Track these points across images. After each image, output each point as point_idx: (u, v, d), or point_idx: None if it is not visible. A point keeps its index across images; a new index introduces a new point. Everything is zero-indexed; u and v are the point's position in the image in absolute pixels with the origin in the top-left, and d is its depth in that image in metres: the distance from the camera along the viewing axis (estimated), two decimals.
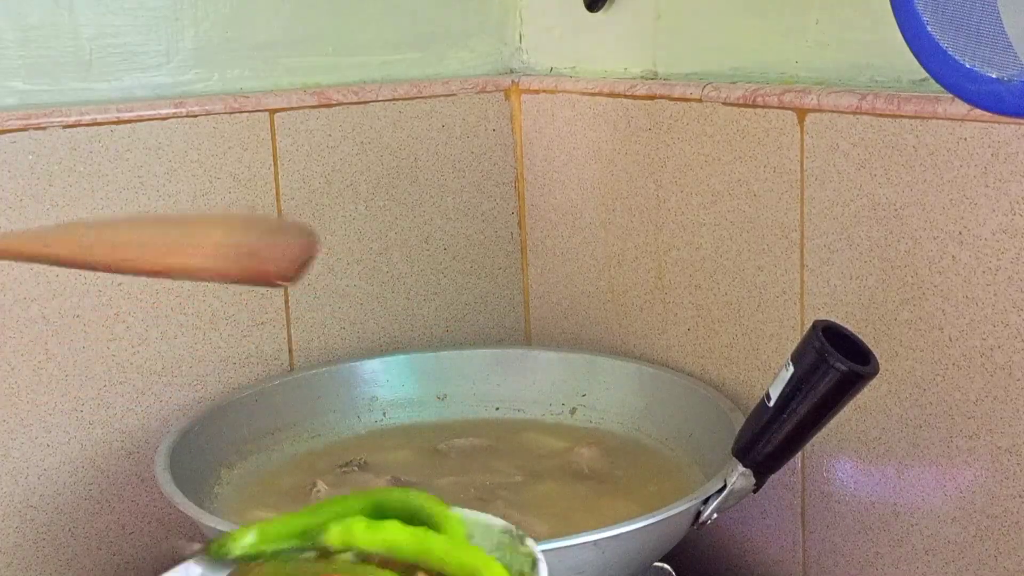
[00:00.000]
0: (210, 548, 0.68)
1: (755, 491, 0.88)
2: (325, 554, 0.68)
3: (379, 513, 0.68)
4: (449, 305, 1.28)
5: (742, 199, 1.00)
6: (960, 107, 0.80)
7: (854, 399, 0.82)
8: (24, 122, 1.06)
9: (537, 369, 1.18)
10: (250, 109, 1.15)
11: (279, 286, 0.81)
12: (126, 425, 1.13)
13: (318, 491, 1.02)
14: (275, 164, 1.17)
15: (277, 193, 1.17)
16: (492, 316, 1.31)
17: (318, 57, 1.20)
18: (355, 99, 1.20)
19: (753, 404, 0.88)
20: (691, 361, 1.09)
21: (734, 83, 1.01)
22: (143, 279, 1.12)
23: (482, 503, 0.98)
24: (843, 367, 0.79)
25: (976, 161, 0.80)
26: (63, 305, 1.09)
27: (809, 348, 0.81)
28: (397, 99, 1.22)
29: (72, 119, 1.08)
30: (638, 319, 1.15)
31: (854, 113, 0.89)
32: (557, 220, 1.25)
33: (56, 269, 1.08)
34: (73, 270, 1.08)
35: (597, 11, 1.18)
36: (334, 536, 0.67)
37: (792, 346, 0.84)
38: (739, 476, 0.87)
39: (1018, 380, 0.80)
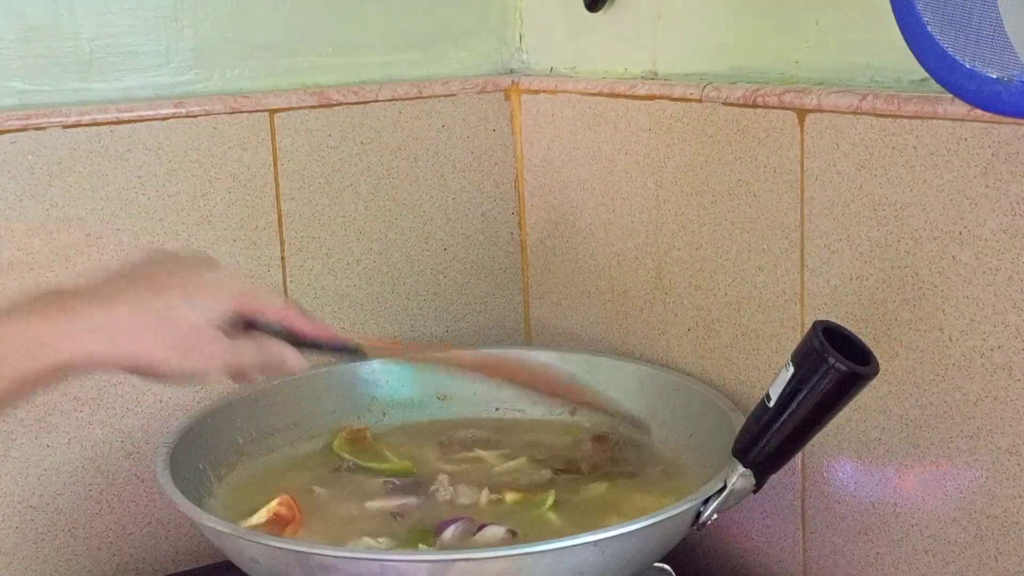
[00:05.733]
0: None
1: (755, 491, 0.88)
2: None
3: None
4: (449, 305, 1.28)
5: (742, 199, 1.00)
6: (960, 107, 0.80)
7: (854, 399, 0.82)
8: (24, 122, 1.06)
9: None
10: (250, 109, 1.15)
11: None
12: (126, 425, 1.13)
13: (317, 493, 1.02)
14: (275, 164, 1.17)
15: (277, 193, 1.17)
16: (492, 316, 1.31)
17: (318, 57, 1.20)
18: (355, 99, 1.20)
19: (753, 404, 0.87)
20: (691, 361, 1.09)
21: (734, 83, 1.01)
22: None
23: (487, 504, 0.99)
24: (843, 367, 0.79)
25: (976, 161, 0.80)
26: None
27: (809, 348, 0.81)
28: (397, 99, 1.22)
29: (72, 119, 1.08)
30: (638, 319, 1.15)
31: (854, 113, 0.89)
32: (557, 220, 1.25)
33: (56, 268, 1.08)
34: (73, 271, 1.08)
35: (597, 11, 1.18)
36: None
37: (792, 346, 0.84)
38: (739, 476, 0.87)
39: (1018, 380, 0.80)
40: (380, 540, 0.92)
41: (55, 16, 1.09)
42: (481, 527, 0.93)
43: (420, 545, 0.91)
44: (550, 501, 0.97)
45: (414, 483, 1.02)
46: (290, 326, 0.84)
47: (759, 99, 0.97)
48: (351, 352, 0.90)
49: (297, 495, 0.99)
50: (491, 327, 1.31)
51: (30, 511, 1.10)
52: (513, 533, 0.92)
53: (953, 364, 0.84)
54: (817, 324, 0.81)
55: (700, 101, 1.03)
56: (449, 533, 0.92)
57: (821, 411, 0.82)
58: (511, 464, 1.06)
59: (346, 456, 1.07)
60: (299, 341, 0.85)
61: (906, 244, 0.86)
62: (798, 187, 0.95)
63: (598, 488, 1.01)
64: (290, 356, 0.83)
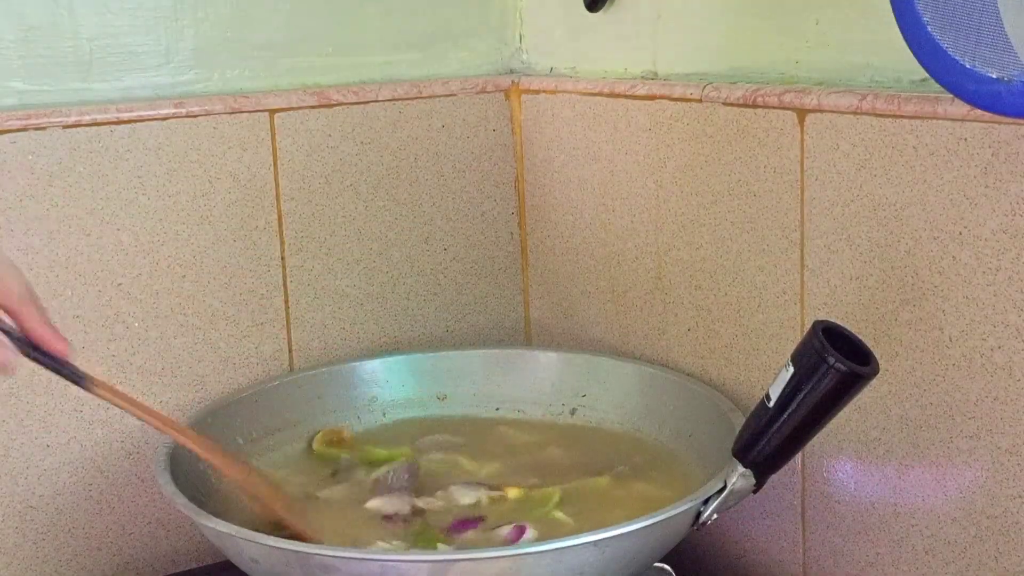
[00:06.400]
0: None
1: (755, 491, 0.88)
2: None
3: None
4: (449, 305, 1.28)
5: (742, 199, 1.00)
6: (960, 107, 0.80)
7: (854, 399, 0.82)
8: (24, 122, 1.06)
9: (537, 369, 1.18)
10: (250, 109, 1.15)
11: None
12: (126, 425, 1.13)
13: (313, 494, 1.02)
14: (275, 164, 1.17)
15: (277, 193, 1.17)
16: (492, 316, 1.31)
17: (318, 57, 1.20)
18: (355, 99, 1.20)
19: (753, 404, 0.87)
20: (691, 361, 1.09)
21: (734, 83, 1.01)
22: (143, 279, 1.12)
23: (489, 503, 0.98)
24: (843, 367, 0.79)
25: (976, 161, 0.80)
26: (63, 305, 1.09)
27: (809, 348, 0.81)
28: (397, 99, 1.22)
29: (72, 119, 1.08)
30: (638, 319, 1.15)
31: (854, 113, 0.89)
32: (557, 220, 1.25)
33: (56, 268, 1.08)
34: (72, 271, 1.08)
35: (597, 11, 1.18)
36: None
37: (792, 346, 0.84)
38: (739, 476, 0.87)
39: (1018, 380, 0.80)
40: (394, 543, 0.92)
41: (55, 16, 1.09)
42: (495, 527, 0.93)
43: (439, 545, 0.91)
44: (556, 498, 0.97)
45: (411, 486, 1.01)
46: (20, 323, 0.81)
47: (759, 99, 0.97)
48: (74, 378, 0.87)
49: (295, 497, 0.99)
50: (491, 327, 1.31)
51: (30, 511, 1.10)
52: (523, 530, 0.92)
53: (953, 364, 0.84)
54: (817, 324, 0.81)
55: (700, 101, 1.03)
56: (469, 535, 0.92)
57: (821, 411, 0.82)
58: (488, 470, 1.05)
59: (338, 453, 1.07)
60: (26, 344, 0.81)
61: (906, 244, 0.86)
62: (798, 187, 0.95)
63: (601, 483, 1.01)
64: None
